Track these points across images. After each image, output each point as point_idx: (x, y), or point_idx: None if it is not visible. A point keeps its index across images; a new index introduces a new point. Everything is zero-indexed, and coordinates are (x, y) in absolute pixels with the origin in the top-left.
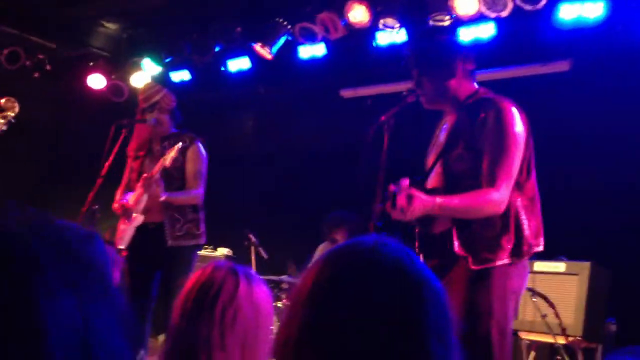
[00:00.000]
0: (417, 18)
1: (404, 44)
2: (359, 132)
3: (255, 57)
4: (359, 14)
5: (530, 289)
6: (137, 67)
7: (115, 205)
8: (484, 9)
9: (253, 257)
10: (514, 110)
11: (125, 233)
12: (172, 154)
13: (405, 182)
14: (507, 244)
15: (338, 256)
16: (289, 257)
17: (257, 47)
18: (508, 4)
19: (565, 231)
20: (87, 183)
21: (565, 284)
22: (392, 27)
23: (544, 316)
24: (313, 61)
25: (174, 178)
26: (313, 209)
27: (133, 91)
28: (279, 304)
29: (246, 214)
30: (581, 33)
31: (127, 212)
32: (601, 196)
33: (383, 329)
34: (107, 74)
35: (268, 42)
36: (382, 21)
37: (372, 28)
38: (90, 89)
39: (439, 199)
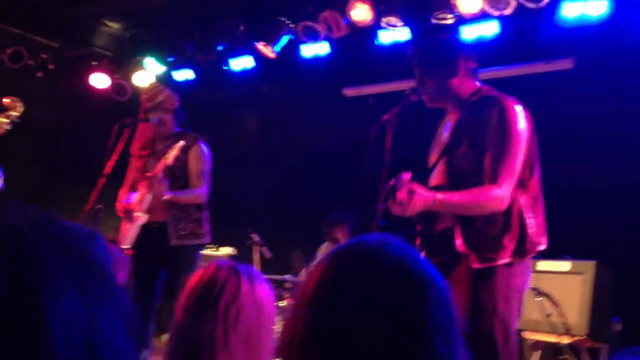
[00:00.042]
0: (420, 16)
1: (406, 43)
2: (362, 130)
3: (258, 56)
4: (361, 13)
5: (534, 289)
6: (139, 66)
7: (118, 206)
8: (487, 7)
9: (256, 257)
10: (518, 108)
11: (129, 232)
12: (174, 152)
13: (407, 176)
14: (509, 243)
15: (342, 256)
16: (296, 250)
17: (260, 46)
18: (511, 2)
19: (568, 230)
20: (90, 182)
21: (570, 284)
22: (395, 26)
23: (548, 315)
24: (316, 60)
25: (178, 177)
26: (316, 208)
27: (136, 90)
28: (282, 303)
29: (250, 213)
30: (584, 31)
31: (129, 214)
32: (605, 195)
33: (387, 328)
34: (110, 74)
35: (271, 41)
36: (384, 20)
37: (374, 26)
38: (93, 88)
39: (439, 195)
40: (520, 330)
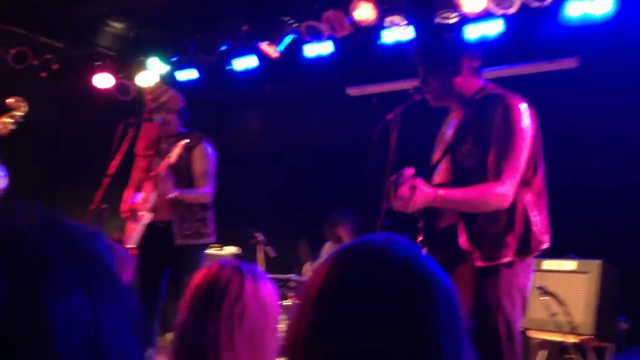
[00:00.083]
0: (424, 16)
1: (410, 42)
2: (366, 129)
3: (261, 56)
4: (365, 12)
5: (540, 288)
6: (143, 66)
7: (123, 207)
8: (491, 6)
9: (260, 256)
10: (522, 105)
11: (134, 232)
12: (177, 151)
13: (409, 171)
14: (512, 242)
15: (347, 255)
16: (302, 241)
17: (263, 45)
18: (515, 1)
19: (574, 229)
20: (93, 182)
21: (576, 283)
22: (399, 25)
23: (554, 315)
24: (319, 59)
25: (182, 177)
26: (320, 207)
27: (139, 90)
28: (286, 302)
29: (254, 212)
30: (589, 30)
31: (134, 213)
32: (610, 193)
33: (392, 327)
34: (113, 73)
35: (274, 41)
36: (388, 19)
37: (378, 26)
38: (96, 88)
39: (441, 191)
40: (526, 329)
